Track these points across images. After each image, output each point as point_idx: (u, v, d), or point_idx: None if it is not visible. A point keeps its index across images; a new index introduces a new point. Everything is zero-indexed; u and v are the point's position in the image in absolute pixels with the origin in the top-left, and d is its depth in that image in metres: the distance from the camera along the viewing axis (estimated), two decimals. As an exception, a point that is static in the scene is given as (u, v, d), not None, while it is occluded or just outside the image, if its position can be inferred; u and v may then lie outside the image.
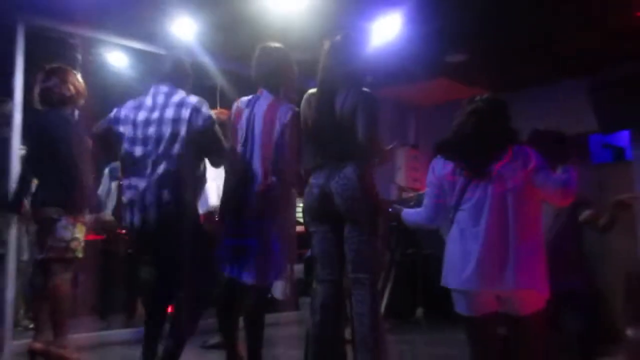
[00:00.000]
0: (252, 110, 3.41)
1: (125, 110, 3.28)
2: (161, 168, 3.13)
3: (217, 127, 3.25)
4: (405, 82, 6.34)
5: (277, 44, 3.53)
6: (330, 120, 3.16)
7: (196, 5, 4.62)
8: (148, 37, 4.98)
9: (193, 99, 3.23)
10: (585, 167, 6.59)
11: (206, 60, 5.33)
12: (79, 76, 3.88)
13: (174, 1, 4.56)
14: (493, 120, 2.62)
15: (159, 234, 3.15)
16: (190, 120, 3.15)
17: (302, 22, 4.64)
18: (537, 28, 5.01)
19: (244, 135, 3.38)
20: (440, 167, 2.67)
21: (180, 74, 3.39)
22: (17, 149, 4.34)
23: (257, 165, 3.32)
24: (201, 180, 3.39)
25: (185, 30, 4.94)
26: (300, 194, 3.38)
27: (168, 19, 4.81)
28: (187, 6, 4.65)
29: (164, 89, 3.27)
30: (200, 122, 3.17)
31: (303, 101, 3.33)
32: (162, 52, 4.89)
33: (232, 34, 4.85)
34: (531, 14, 4.71)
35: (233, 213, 3.36)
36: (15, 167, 4.30)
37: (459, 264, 2.52)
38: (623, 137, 6.79)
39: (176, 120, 3.15)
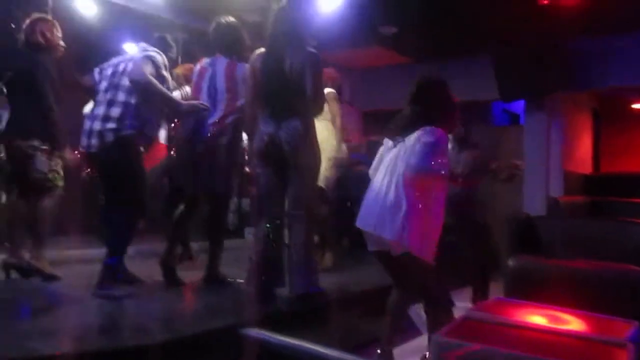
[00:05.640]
0: (214, 69, 3.45)
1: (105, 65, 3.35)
2: (110, 110, 3.16)
3: (151, 80, 3.15)
4: (344, 48, 6.14)
5: (231, 18, 3.54)
6: (279, 76, 3.06)
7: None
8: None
9: (139, 54, 3.21)
10: (487, 128, 6.84)
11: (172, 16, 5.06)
12: (54, 26, 3.58)
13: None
14: (423, 99, 2.65)
15: (102, 162, 3.24)
16: (126, 71, 3.18)
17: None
18: (457, 12, 5.01)
19: (207, 89, 3.43)
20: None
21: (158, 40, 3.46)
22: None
23: (219, 110, 3.37)
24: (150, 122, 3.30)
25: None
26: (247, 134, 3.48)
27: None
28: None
29: (135, 48, 3.35)
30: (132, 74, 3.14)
31: (253, 59, 3.19)
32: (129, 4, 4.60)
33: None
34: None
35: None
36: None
37: (362, 210, 2.65)
38: (519, 105, 6.97)
39: (122, 72, 3.20)
